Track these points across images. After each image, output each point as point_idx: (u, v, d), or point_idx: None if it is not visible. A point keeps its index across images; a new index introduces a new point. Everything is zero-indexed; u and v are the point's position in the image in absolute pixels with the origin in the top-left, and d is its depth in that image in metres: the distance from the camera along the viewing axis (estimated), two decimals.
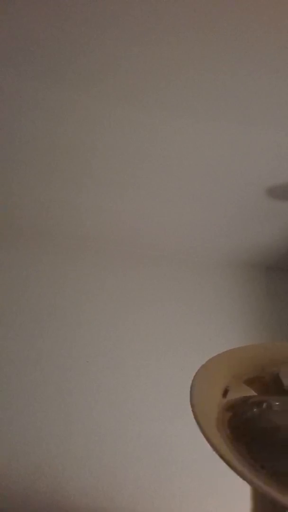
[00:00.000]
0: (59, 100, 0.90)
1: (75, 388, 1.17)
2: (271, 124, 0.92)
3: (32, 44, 0.78)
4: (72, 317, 1.29)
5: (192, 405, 0.45)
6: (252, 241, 1.37)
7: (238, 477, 0.39)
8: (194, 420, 0.46)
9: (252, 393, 0.54)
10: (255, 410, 0.52)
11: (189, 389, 0.49)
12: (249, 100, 0.87)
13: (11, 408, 1.11)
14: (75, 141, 1.01)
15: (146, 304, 1.36)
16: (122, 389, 1.19)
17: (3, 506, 1.00)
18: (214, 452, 0.42)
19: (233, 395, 0.52)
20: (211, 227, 1.33)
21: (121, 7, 0.70)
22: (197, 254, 1.46)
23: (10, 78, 0.84)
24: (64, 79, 0.85)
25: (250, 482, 0.38)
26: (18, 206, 1.27)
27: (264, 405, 0.53)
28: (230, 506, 1.04)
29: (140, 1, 0.69)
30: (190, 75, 0.82)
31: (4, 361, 1.18)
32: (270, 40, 0.74)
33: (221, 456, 0.40)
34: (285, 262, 1.47)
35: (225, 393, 0.52)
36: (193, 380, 0.50)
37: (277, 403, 0.53)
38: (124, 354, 1.25)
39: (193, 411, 0.45)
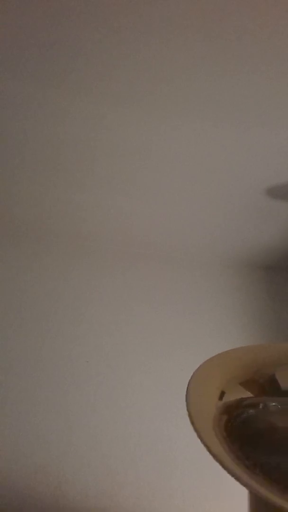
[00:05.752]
0: (59, 100, 0.90)
1: (75, 388, 1.17)
2: (271, 124, 0.92)
3: (32, 46, 0.78)
4: (72, 317, 1.29)
5: (188, 409, 0.45)
6: (252, 241, 1.37)
7: None
8: None
9: (249, 394, 0.54)
10: (251, 411, 0.52)
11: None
12: (249, 100, 0.87)
13: (11, 408, 1.11)
14: (75, 140, 1.01)
15: (146, 304, 1.36)
16: (122, 389, 1.19)
17: (3, 506, 1.00)
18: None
19: (229, 397, 0.52)
20: (211, 227, 1.33)
21: (121, 7, 0.70)
22: (197, 254, 1.46)
23: (11, 78, 0.84)
24: (64, 79, 0.85)
25: (245, 485, 0.38)
26: (18, 205, 1.27)
27: (261, 405, 0.53)
28: (230, 506, 1.04)
29: (141, 3, 0.69)
30: (191, 76, 0.82)
31: (4, 361, 1.18)
32: (271, 40, 0.74)
33: (217, 459, 0.40)
34: (285, 262, 1.47)
35: (222, 395, 0.52)
36: (188, 384, 0.50)
37: (273, 404, 0.53)
38: (124, 354, 1.25)
39: (189, 414, 0.45)
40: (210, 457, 0.42)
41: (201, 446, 0.43)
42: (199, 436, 0.42)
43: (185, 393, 0.49)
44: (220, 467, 0.41)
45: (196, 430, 0.43)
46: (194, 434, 0.45)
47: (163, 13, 0.71)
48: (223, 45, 0.75)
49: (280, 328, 1.37)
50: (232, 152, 1.01)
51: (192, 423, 0.44)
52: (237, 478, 0.38)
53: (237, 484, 0.43)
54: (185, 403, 0.47)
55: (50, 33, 0.75)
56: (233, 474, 0.38)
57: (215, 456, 0.40)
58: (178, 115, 0.91)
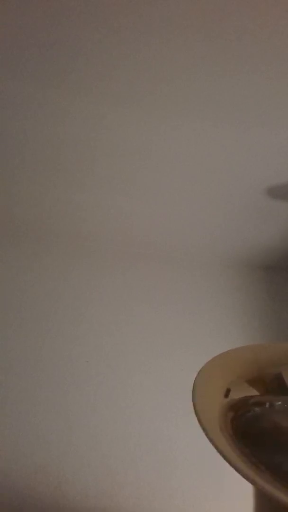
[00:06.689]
0: (59, 100, 0.90)
1: (75, 388, 1.17)
2: (271, 124, 0.92)
3: (32, 46, 0.78)
4: (72, 317, 1.29)
5: (195, 406, 0.46)
6: (252, 241, 1.37)
7: (238, 477, 0.40)
8: (194, 420, 0.46)
9: (254, 393, 0.54)
10: (257, 409, 0.52)
11: (189, 389, 0.50)
12: (249, 100, 0.87)
13: (11, 408, 1.11)
14: (75, 140, 1.01)
15: (146, 304, 1.36)
16: (122, 389, 1.19)
17: (3, 506, 1.00)
18: (215, 452, 0.42)
19: (235, 395, 0.52)
20: (211, 227, 1.33)
21: (121, 7, 0.70)
22: (197, 254, 1.46)
23: (11, 78, 0.84)
24: (64, 79, 0.85)
25: (253, 482, 0.38)
26: (18, 205, 1.27)
27: (267, 404, 0.53)
28: (230, 506, 1.04)
29: (141, 3, 0.69)
30: (191, 76, 0.82)
31: (4, 361, 1.18)
32: (271, 40, 0.74)
33: (224, 457, 0.40)
34: (285, 262, 1.47)
35: (227, 393, 0.52)
36: (194, 381, 0.50)
37: (279, 403, 0.53)
38: (124, 354, 1.25)
39: (195, 412, 0.45)
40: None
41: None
42: (206, 434, 0.42)
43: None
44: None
45: (203, 428, 0.43)
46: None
47: (163, 13, 0.71)
48: (223, 45, 0.75)
49: (280, 328, 1.37)
50: (232, 152, 1.01)
51: (199, 420, 0.44)
52: (244, 475, 0.38)
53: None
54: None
55: (50, 33, 0.75)
56: (239, 471, 0.38)
57: (222, 453, 0.40)
58: (178, 115, 0.91)
